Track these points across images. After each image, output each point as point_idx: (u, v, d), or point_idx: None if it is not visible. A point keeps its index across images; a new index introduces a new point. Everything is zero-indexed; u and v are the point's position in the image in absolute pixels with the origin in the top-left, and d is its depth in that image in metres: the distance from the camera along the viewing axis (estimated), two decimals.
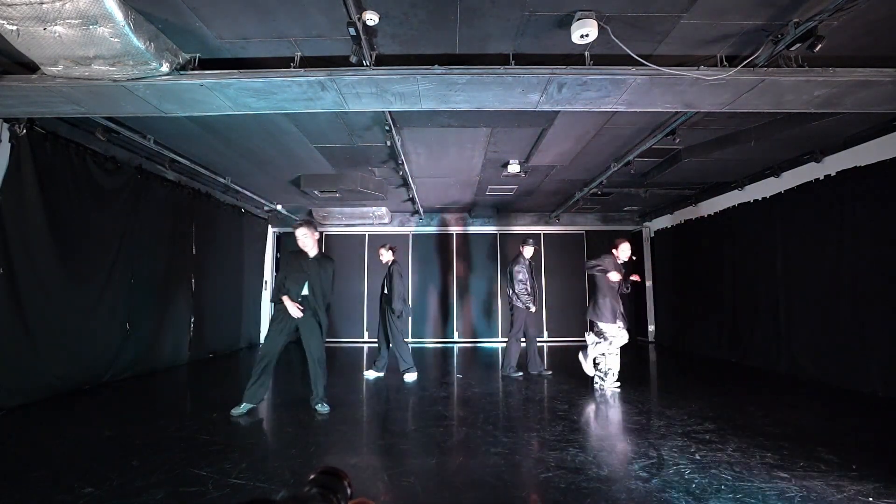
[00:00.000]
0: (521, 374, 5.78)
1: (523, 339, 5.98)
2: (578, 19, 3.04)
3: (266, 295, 9.74)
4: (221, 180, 6.80)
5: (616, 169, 6.23)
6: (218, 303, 7.59)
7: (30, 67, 3.35)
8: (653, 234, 9.94)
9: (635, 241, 10.31)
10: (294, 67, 3.45)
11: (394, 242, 10.27)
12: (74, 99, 3.59)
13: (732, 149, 5.42)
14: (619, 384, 4.97)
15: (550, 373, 5.88)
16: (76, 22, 2.59)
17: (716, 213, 7.61)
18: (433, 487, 2.46)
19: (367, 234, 10.17)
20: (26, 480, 2.54)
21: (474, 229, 10.15)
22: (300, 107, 3.87)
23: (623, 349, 5.18)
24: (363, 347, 9.09)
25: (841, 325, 5.18)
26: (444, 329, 10.02)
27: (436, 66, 3.39)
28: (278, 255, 10.24)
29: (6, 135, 4.10)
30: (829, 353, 5.33)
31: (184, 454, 2.95)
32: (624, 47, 3.15)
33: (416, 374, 5.63)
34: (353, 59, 3.21)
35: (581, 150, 5.80)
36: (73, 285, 4.69)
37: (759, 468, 2.69)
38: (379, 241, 10.02)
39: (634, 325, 10.11)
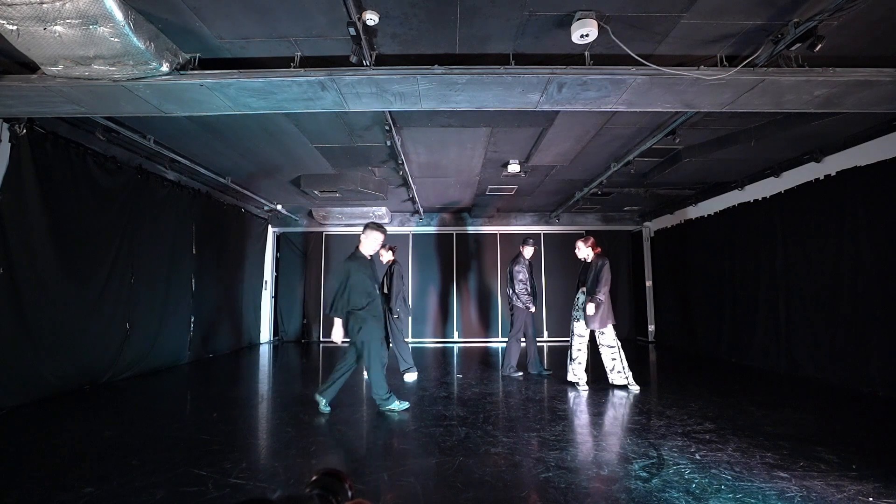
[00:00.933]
0: (521, 373, 5.79)
1: (523, 340, 5.98)
2: (578, 19, 3.04)
3: (266, 295, 9.75)
4: (221, 180, 6.81)
5: (616, 169, 6.23)
6: (218, 303, 7.59)
7: (30, 67, 3.35)
8: (653, 234, 9.94)
9: (635, 241, 10.33)
10: (294, 67, 3.45)
11: (394, 242, 10.29)
12: (74, 99, 3.59)
13: (732, 149, 5.42)
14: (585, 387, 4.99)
15: (550, 372, 5.89)
16: (76, 22, 2.59)
17: (716, 213, 7.61)
18: (433, 487, 2.46)
19: None
20: (26, 480, 2.54)
21: (474, 229, 10.14)
22: (300, 107, 3.87)
23: (623, 349, 5.18)
24: None
25: (841, 325, 5.18)
26: (444, 329, 10.02)
27: (436, 66, 3.39)
28: (278, 254, 10.25)
29: (6, 135, 4.09)
30: (829, 353, 5.33)
31: (184, 454, 2.95)
32: (624, 47, 3.15)
33: (416, 373, 5.63)
34: (353, 59, 3.21)
35: (581, 150, 5.80)
36: (73, 285, 4.69)
37: (759, 468, 2.69)
38: None
39: (634, 325, 10.14)
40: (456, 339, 9.96)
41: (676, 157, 5.95)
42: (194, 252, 6.93)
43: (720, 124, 5.01)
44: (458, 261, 10.17)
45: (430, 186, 7.75)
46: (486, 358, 7.62)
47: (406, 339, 5.95)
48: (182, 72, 3.35)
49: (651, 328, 9.85)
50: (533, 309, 5.88)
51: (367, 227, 4.19)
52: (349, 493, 0.67)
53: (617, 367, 4.96)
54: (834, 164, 5.38)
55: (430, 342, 9.82)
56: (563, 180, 7.32)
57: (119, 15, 2.61)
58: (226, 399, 4.62)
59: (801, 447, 3.05)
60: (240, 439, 3.28)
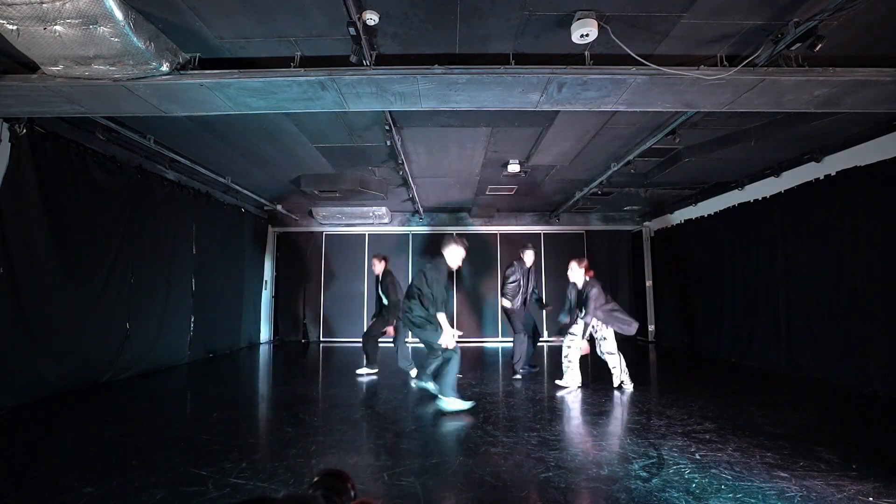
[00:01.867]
0: (536, 368, 6.05)
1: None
2: (578, 19, 3.04)
3: (266, 295, 9.75)
4: (221, 180, 6.80)
5: (616, 169, 6.23)
6: (218, 303, 7.59)
7: (30, 67, 3.35)
8: (653, 234, 9.94)
9: (635, 241, 10.33)
10: (294, 67, 3.45)
11: (394, 243, 10.30)
12: (74, 99, 3.59)
13: (732, 148, 5.42)
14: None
15: (536, 369, 6.11)
16: (76, 21, 2.59)
17: (716, 213, 7.60)
18: (433, 487, 2.46)
19: (367, 233, 10.16)
20: (26, 480, 2.54)
21: (474, 229, 10.14)
22: (300, 107, 3.86)
23: (623, 349, 5.19)
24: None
25: (841, 325, 5.18)
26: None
27: (436, 66, 3.39)
28: (278, 254, 10.25)
29: (6, 135, 4.09)
30: (829, 353, 5.33)
31: (184, 454, 2.95)
32: (624, 47, 3.15)
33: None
34: (353, 59, 3.21)
35: (581, 149, 5.80)
36: (73, 285, 4.69)
37: (759, 468, 2.69)
38: (379, 241, 10.05)
39: None
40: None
41: (676, 157, 5.95)
42: (194, 252, 6.93)
43: (720, 124, 5.01)
44: None
45: (430, 186, 7.75)
46: (485, 358, 7.62)
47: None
48: (182, 72, 3.35)
49: (651, 328, 9.84)
50: (509, 305, 5.88)
51: (450, 240, 4.45)
52: (352, 493, 0.67)
53: (616, 372, 4.99)
54: (834, 164, 5.38)
55: None
56: (563, 180, 7.32)
57: (119, 15, 2.61)
58: (226, 399, 4.62)
59: (801, 447, 3.05)
60: (240, 439, 3.27)
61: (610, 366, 5.03)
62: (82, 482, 2.48)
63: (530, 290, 6.04)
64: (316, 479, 0.67)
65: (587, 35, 3.06)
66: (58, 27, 2.63)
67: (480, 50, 3.48)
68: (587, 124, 5.00)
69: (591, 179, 7.16)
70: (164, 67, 3.18)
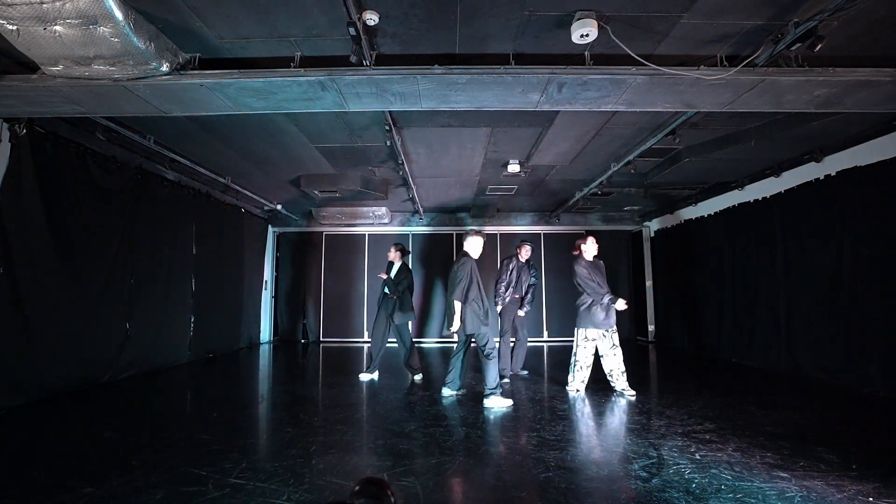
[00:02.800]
0: (526, 372, 5.92)
1: (513, 340, 5.92)
2: (578, 19, 3.04)
3: (266, 295, 9.75)
4: (221, 180, 6.81)
5: (616, 169, 6.23)
6: (218, 303, 7.59)
7: (30, 67, 3.35)
8: (653, 234, 9.94)
9: (635, 241, 10.33)
10: (294, 67, 3.45)
11: (393, 242, 10.27)
12: (74, 99, 3.59)
13: (732, 149, 5.42)
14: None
15: (526, 372, 5.92)
16: (76, 22, 2.59)
17: (716, 213, 7.61)
18: (433, 487, 2.46)
19: (367, 233, 10.16)
20: (26, 480, 2.54)
21: (474, 229, 10.13)
22: (300, 107, 3.86)
23: (623, 349, 5.15)
24: (363, 347, 9.08)
25: (841, 325, 5.18)
26: (444, 329, 10.01)
27: (436, 66, 3.39)
28: (278, 254, 10.25)
29: (6, 135, 4.09)
30: (829, 353, 5.33)
31: (184, 454, 2.95)
32: (624, 47, 3.15)
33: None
34: (353, 59, 3.21)
35: (581, 150, 5.80)
36: (73, 285, 4.69)
37: (759, 468, 2.69)
38: (379, 241, 10.03)
39: (634, 325, 10.13)
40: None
41: (676, 157, 5.95)
42: (194, 252, 6.93)
43: (720, 124, 5.01)
44: None
45: (430, 186, 7.75)
46: None
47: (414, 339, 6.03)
48: (182, 72, 3.35)
49: (651, 328, 9.85)
50: (498, 307, 5.78)
51: (469, 233, 4.81)
52: (392, 500, 0.68)
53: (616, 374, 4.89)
54: (834, 164, 5.38)
55: (430, 342, 9.81)
56: (563, 180, 7.32)
57: (119, 15, 2.61)
58: (226, 399, 4.62)
59: (801, 447, 3.05)
60: (240, 439, 3.27)
61: (606, 369, 4.80)
62: (82, 482, 2.48)
63: (526, 286, 5.89)
64: (357, 487, 0.68)
65: (587, 35, 3.06)
66: (58, 27, 2.63)
67: (480, 50, 3.48)
68: (587, 124, 5.00)
69: (591, 179, 7.16)
70: (164, 67, 3.17)
